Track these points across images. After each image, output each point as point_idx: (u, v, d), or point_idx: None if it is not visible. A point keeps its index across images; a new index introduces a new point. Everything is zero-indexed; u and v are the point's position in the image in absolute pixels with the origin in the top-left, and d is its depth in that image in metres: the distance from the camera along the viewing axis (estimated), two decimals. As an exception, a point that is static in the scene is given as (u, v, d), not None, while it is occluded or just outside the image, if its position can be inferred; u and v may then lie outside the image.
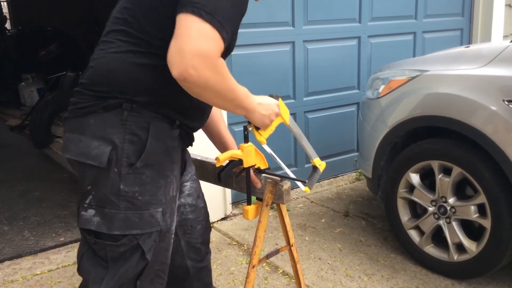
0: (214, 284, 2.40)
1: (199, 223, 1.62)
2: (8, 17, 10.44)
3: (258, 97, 1.40)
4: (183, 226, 1.58)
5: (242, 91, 1.29)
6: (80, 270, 1.39)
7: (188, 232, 1.60)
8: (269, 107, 1.43)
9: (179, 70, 1.11)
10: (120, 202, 1.27)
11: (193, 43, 1.10)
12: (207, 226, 1.68)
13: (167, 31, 1.19)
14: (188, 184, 1.60)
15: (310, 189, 1.57)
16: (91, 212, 1.29)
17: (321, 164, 1.63)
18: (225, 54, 1.23)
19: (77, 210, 1.34)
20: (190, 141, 1.50)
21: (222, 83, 1.18)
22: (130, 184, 1.27)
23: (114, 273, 1.30)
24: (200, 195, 1.65)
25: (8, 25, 9.95)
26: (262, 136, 1.48)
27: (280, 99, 1.50)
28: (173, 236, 1.42)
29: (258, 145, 1.54)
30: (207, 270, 1.70)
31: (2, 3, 11.84)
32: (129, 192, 1.27)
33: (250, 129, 1.46)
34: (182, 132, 1.40)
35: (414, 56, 4.19)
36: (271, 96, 1.48)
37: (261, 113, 1.40)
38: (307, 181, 1.58)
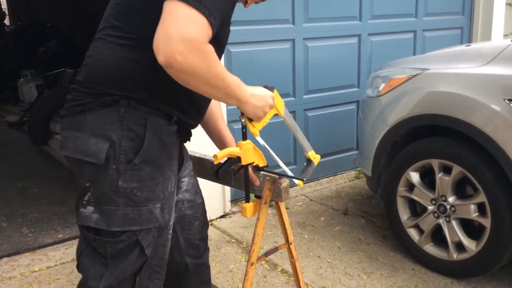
0: (213, 282, 2.40)
1: (197, 219, 1.62)
2: (7, 13, 10.41)
3: (251, 88, 1.37)
4: (181, 222, 1.58)
5: (232, 80, 1.25)
6: (79, 267, 1.39)
7: (186, 228, 1.59)
8: (262, 99, 1.39)
9: (165, 55, 1.07)
10: (119, 199, 1.26)
11: (179, 28, 1.06)
12: (205, 222, 1.67)
13: (156, 25, 1.19)
14: (185, 179, 1.59)
15: (303, 181, 1.54)
16: (90, 209, 1.28)
17: (315, 157, 1.61)
18: (218, 48, 1.21)
19: (75, 207, 1.34)
20: (187, 136, 1.49)
21: (210, 69, 1.14)
22: (128, 181, 1.26)
23: (114, 269, 1.30)
24: (197, 191, 1.64)
25: (7, 21, 9.92)
26: (256, 128, 1.45)
27: (275, 90, 1.46)
28: (171, 231, 1.42)
29: (256, 142, 1.53)
30: (206, 266, 1.70)
31: (1, -1, 11.82)
32: (128, 188, 1.27)
33: (243, 120, 1.43)
34: (180, 128, 1.39)
35: (414, 54, 4.18)
36: (265, 87, 1.44)
37: (254, 104, 1.37)
38: (300, 173, 1.56)
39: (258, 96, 1.38)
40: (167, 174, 1.35)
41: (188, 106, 1.38)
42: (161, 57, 1.08)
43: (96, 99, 1.26)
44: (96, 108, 1.26)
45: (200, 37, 1.09)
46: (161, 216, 1.33)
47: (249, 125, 1.44)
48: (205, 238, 1.68)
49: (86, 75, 1.30)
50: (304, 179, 1.55)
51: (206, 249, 1.69)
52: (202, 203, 1.66)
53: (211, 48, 1.13)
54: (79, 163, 1.28)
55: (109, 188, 1.26)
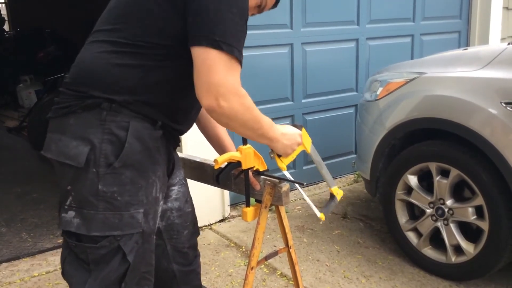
0: (212, 286, 2.41)
1: (185, 228, 1.60)
2: (6, 18, 10.43)
3: (282, 127, 1.45)
4: (169, 231, 1.56)
5: (266, 121, 1.33)
6: (64, 274, 1.37)
7: (174, 237, 1.58)
8: (292, 137, 1.48)
9: (209, 103, 1.18)
10: (99, 203, 1.25)
11: (220, 77, 1.16)
12: (195, 230, 1.65)
13: (154, 32, 1.23)
14: (175, 188, 1.58)
15: (325, 216, 1.62)
16: (71, 213, 1.27)
17: (338, 193, 1.68)
18: None
19: (58, 211, 1.33)
20: (175, 142, 1.49)
21: (247, 112, 1.24)
22: (108, 184, 1.25)
23: (96, 276, 1.28)
24: (188, 200, 1.63)
25: (6, 27, 9.94)
26: (283, 163, 1.54)
27: (303, 128, 1.56)
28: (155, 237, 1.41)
29: (257, 147, 1.54)
30: (196, 273, 1.68)
31: (0, 4, 11.85)
32: (108, 192, 1.25)
33: (272, 155, 1.53)
34: (167, 133, 1.38)
35: (412, 58, 4.20)
36: (294, 125, 1.55)
37: (284, 143, 1.45)
38: (323, 208, 1.64)
39: (288, 135, 1.47)
40: (151, 179, 1.32)
41: (175, 112, 1.37)
42: (205, 104, 1.19)
43: (80, 102, 1.26)
44: (78, 111, 1.26)
45: (237, 81, 1.20)
46: (144, 221, 1.31)
47: (277, 160, 1.54)
48: (194, 246, 1.66)
49: (72, 77, 1.31)
50: (326, 214, 1.63)
51: (196, 256, 1.67)
52: (192, 211, 1.64)
53: (245, 92, 1.23)
54: (61, 165, 1.28)
55: (88, 191, 1.25)
